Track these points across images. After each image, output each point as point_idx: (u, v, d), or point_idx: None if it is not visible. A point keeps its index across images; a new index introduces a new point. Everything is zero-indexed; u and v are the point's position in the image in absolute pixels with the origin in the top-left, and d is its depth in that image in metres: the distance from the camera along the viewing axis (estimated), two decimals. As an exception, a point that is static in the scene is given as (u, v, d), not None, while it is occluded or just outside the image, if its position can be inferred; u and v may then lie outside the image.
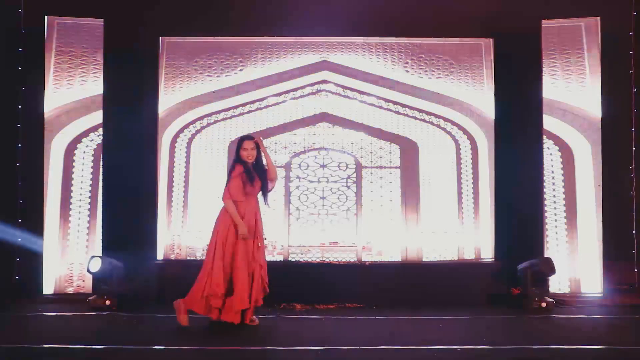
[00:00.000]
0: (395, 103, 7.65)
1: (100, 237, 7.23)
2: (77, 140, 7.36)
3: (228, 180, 5.79)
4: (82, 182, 7.33)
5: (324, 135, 7.65)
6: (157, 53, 7.53)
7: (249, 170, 5.78)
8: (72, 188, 7.31)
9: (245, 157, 5.78)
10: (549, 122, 7.34)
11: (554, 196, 7.35)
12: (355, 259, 7.43)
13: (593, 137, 7.27)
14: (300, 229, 7.52)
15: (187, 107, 7.60)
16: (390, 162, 7.63)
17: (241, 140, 5.89)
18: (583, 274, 7.19)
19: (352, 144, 7.65)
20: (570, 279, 7.22)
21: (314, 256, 7.45)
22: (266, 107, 7.67)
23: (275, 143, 7.64)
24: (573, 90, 7.37)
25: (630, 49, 7.40)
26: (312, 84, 7.70)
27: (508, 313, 6.57)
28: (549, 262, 6.80)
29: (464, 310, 6.56)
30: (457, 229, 7.50)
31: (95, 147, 7.36)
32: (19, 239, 7.26)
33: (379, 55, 7.67)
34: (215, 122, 7.63)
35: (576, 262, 7.21)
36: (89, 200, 7.32)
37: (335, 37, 7.63)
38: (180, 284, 7.06)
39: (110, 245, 7.16)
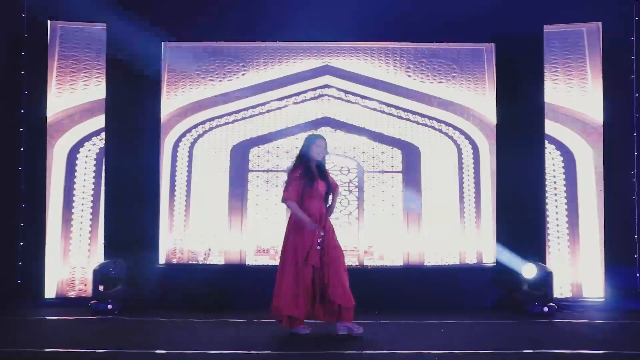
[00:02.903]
0: (397, 107, 7.67)
1: (103, 241, 7.24)
2: (80, 144, 7.38)
3: (286, 182, 5.61)
4: (84, 186, 7.36)
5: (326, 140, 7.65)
6: (159, 57, 7.55)
7: (311, 172, 5.57)
8: (75, 192, 7.33)
9: (316, 154, 5.59)
10: (551, 127, 7.35)
11: (556, 200, 7.35)
12: (357, 263, 7.43)
13: (595, 142, 7.28)
14: (302, 233, 7.51)
15: (189, 111, 7.62)
16: (392, 166, 7.63)
17: (314, 137, 5.71)
18: (585, 278, 7.19)
19: (354, 148, 7.66)
20: (572, 284, 7.22)
21: (315, 260, 7.45)
22: (268, 111, 7.68)
23: (277, 147, 7.66)
24: (575, 94, 7.38)
25: (632, 53, 7.38)
26: (314, 89, 7.71)
27: (510, 317, 6.57)
28: (537, 267, 6.80)
29: (465, 315, 6.56)
30: (459, 233, 7.51)
31: (97, 151, 7.39)
32: (21, 243, 7.27)
33: (380, 59, 7.68)
34: (217, 126, 7.65)
35: (578, 266, 7.21)
36: (91, 204, 7.34)
37: (337, 41, 7.64)
38: (182, 288, 7.12)
39: (112, 249, 7.17)
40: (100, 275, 6.74)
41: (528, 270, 6.77)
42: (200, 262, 7.43)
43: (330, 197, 5.77)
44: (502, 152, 7.43)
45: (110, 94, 7.33)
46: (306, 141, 5.70)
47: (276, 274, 5.67)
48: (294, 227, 5.57)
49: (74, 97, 7.40)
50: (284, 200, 5.58)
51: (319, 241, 5.51)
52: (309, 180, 5.53)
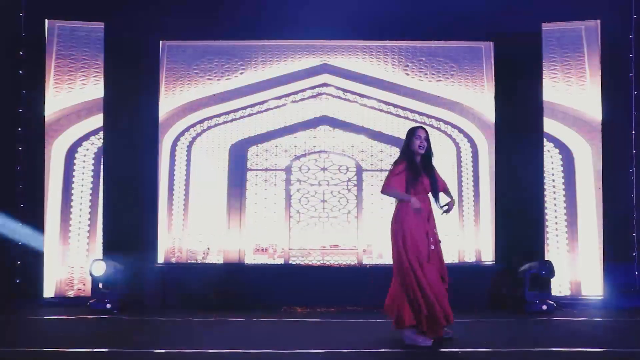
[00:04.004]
0: (395, 106, 7.66)
1: (101, 241, 7.23)
2: (78, 143, 7.37)
3: (388, 175, 5.26)
4: (82, 185, 7.34)
5: (324, 138, 7.66)
6: (157, 56, 7.54)
7: (415, 166, 5.22)
8: (73, 191, 7.32)
9: (417, 146, 5.22)
10: (550, 125, 7.34)
11: (555, 199, 7.35)
12: (356, 262, 7.43)
13: (593, 140, 7.27)
14: (301, 232, 7.52)
15: (187, 110, 7.61)
16: (391, 165, 7.61)
17: (415, 128, 5.32)
18: (584, 276, 7.19)
19: (352, 147, 7.66)
20: (571, 282, 7.21)
21: (314, 259, 7.46)
22: (267, 110, 7.68)
23: (276, 146, 7.65)
24: (573, 93, 7.37)
25: (630, 51, 7.40)
26: (313, 87, 7.71)
27: (509, 316, 6.57)
28: (548, 264, 6.80)
29: (464, 313, 6.54)
30: (458, 232, 7.50)
31: (95, 150, 7.38)
32: (20, 242, 7.26)
33: (379, 58, 7.68)
34: (216, 125, 7.64)
35: (577, 264, 7.21)
36: (90, 203, 7.33)
37: (336, 40, 7.64)
38: (181, 288, 7.12)
39: (110, 248, 7.17)
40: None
41: (548, 268, 6.77)
42: (199, 261, 7.43)
43: (442, 195, 5.37)
44: (501, 151, 7.44)
45: (108, 93, 7.33)
46: (407, 134, 5.32)
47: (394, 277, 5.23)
48: (405, 226, 5.15)
49: (72, 96, 7.38)
50: (383, 190, 5.23)
51: (431, 240, 5.17)
52: (412, 176, 5.17)
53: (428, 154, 5.31)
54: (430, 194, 5.31)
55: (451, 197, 5.43)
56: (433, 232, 5.23)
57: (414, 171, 5.20)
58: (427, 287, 5.04)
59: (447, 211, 5.37)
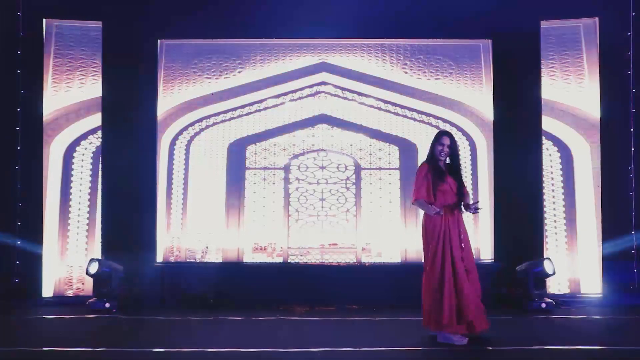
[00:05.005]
0: (394, 104, 7.65)
1: (100, 240, 7.23)
2: (76, 143, 7.36)
3: (416, 181, 5.38)
4: (81, 184, 7.34)
5: (323, 137, 7.66)
6: (155, 56, 7.53)
7: (437, 169, 5.34)
8: (72, 191, 7.31)
9: (438, 152, 5.34)
10: (548, 123, 7.34)
11: (553, 197, 7.34)
12: (355, 261, 7.43)
13: (592, 138, 7.27)
14: (299, 230, 7.52)
15: (185, 109, 7.60)
16: (390, 163, 7.63)
17: (440, 133, 5.45)
18: (582, 274, 7.18)
19: (351, 145, 7.65)
20: (570, 280, 7.21)
21: (313, 258, 7.45)
22: (265, 109, 7.67)
23: (274, 145, 7.65)
24: (572, 90, 7.37)
25: (628, 49, 7.40)
26: (311, 86, 7.70)
27: (508, 314, 6.57)
28: (548, 262, 6.80)
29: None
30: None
31: (94, 149, 7.37)
32: (18, 242, 7.26)
33: (377, 56, 7.67)
34: (214, 124, 7.64)
35: (576, 262, 7.20)
36: (88, 202, 7.32)
37: (334, 38, 7.63)
38: (180, 287, 7.12)
39: (109, 247, 7.17)
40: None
41: (548, 266, 6.77)
42: (198, 260, 7.43)
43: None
44: (500, 149, 7.43)
45: (106, 92, 7.33)
46: (434, 138, 5.43)
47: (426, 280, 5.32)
48: (433, 230, 5.33)
49: (70, 95, 7.37)
50: (413, 202, 5.40)
51: (461, 237, 5.35)
52: (437, 176, 5.32)
53: (452, 161, 5.41)
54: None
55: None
56: (461, 231, 5.39)
57: (437, 173, 5.34)
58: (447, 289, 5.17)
59: (475, 210, 5.48)
